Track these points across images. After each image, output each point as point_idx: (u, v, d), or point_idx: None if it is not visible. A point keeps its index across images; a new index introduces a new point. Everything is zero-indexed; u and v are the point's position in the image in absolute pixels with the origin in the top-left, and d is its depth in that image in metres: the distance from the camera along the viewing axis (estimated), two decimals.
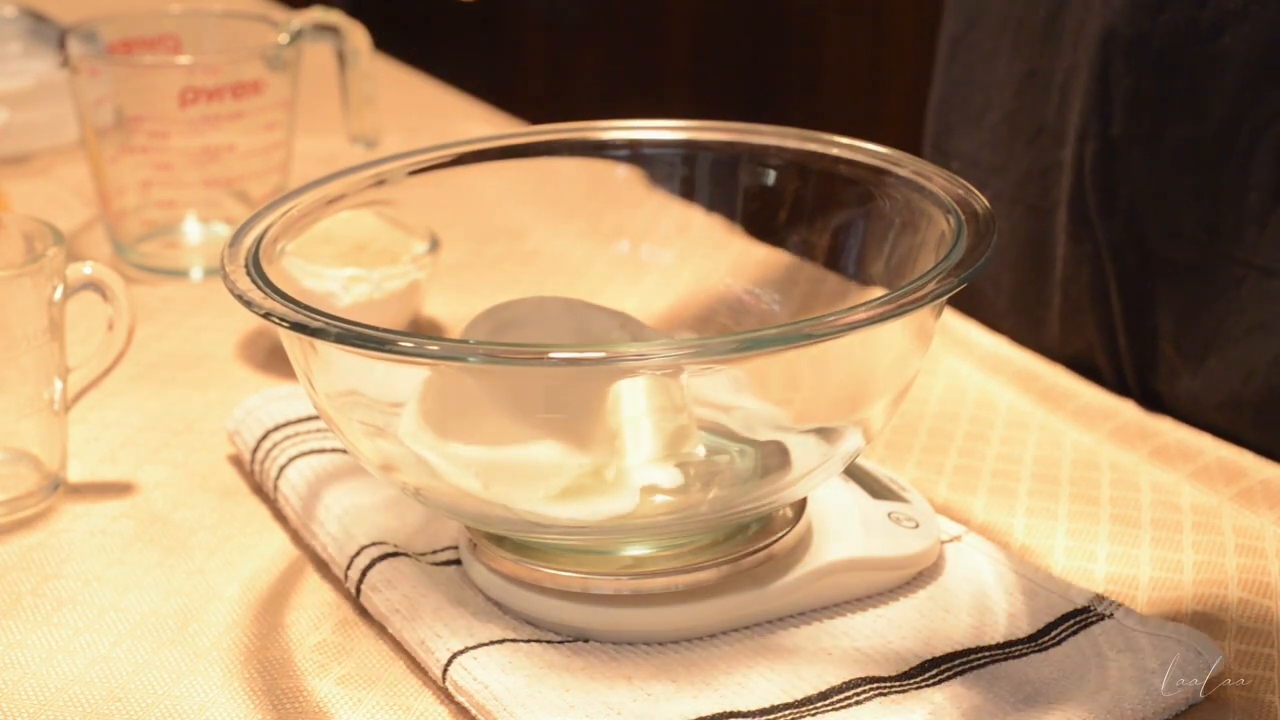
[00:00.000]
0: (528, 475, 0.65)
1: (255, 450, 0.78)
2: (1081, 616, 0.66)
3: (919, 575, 0.69)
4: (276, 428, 0.78)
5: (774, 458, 0.67)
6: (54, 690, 0.64)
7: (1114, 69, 0.82)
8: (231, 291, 0.63)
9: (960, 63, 0.97)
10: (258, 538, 0.74)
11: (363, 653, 0.66)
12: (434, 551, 0.70)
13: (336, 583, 0.71)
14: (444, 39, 2.65)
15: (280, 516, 0.76)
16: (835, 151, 0.74)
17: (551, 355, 0.59)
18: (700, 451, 0.67)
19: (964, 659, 0.64)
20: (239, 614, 0.69)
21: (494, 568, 0.66)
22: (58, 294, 0.75)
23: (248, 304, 0.62)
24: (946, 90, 0.98)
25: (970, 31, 0.96)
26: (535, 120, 0.92)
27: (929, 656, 0.64)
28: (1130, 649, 0.63)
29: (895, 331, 0.63)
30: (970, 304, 0.95)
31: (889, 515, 0.69)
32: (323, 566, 0.72)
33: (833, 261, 0.75)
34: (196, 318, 0.97)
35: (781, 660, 0.64)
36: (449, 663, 0.63)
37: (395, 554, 0.69)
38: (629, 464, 0.66)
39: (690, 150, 0.78)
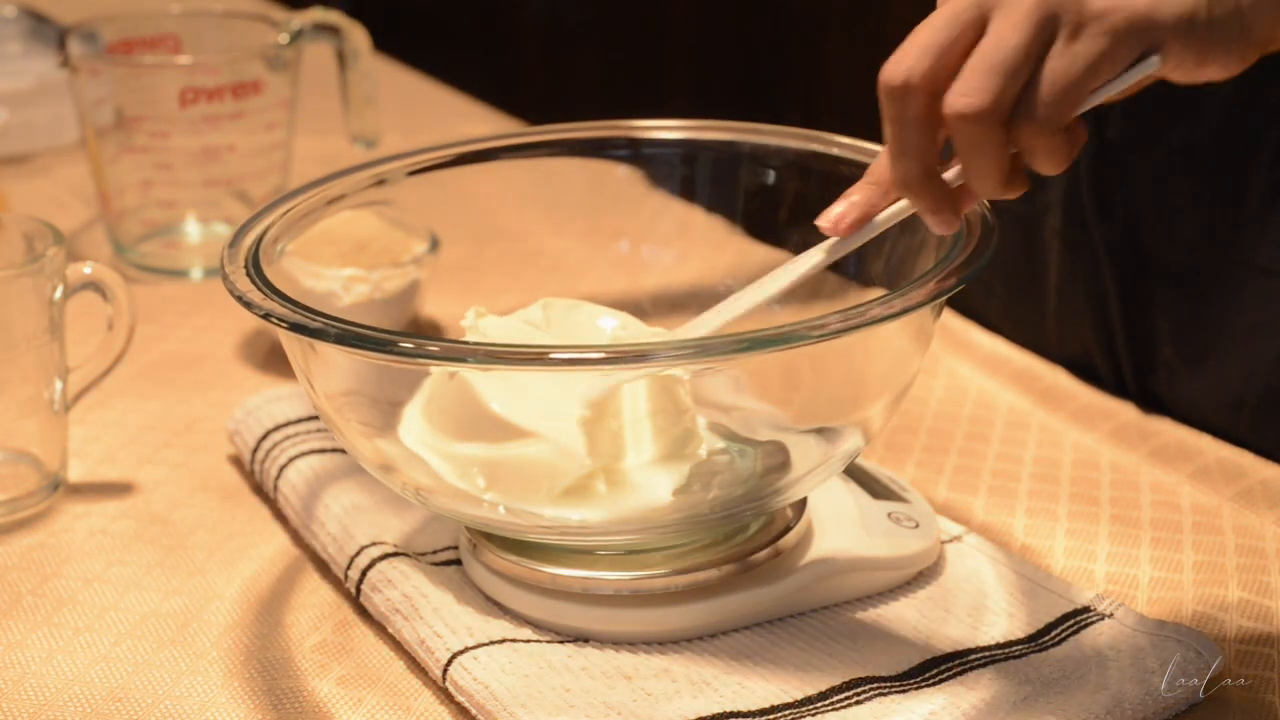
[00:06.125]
0: (529, 477, 0.65)
1: (255, 450, 0.78)
2: (1081, 616, 0.66)
3: (919, 575, 0.69)
4: (276, 428, 0.78)
5: (774, 458, 0.67)
6: (54, 690, 0.64)
7: None
8: (231, 292, 0.63)
9: None
10: (258, 538, 0.74)
11: (363, 653, 0.66)
12: (434, 551, 0.70)
13: (336, 583, 0.71)
14: (444, 39, 2.65)
15: (280, 516, 0.76)
16: (836, 151, 0.74)
17: (551, 355, 0.59)
18: (701, 452, 0.67)
19: (964, 659, 0.64)
20: (239, 614, 0.69)
21: (494, 568, 0.66)
22: (58, 294, 0.75)
23: (248, 304, 0.62)
24: None
25: None
26: (535, 120, 0.92)
27: (929, 656, 0.64)
28: (1130, 649, 0.63)
29: (895, 332, 0.63)
30: (965, 310, 0.95)
31: (889, 515, 0.69)
32: (323, 566, 0.72)
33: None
34: (196, 318, 0.97)
35: (781, 660, 0.64)
36: (449, 663, 0.63)
37: (395, 554, 0.69)
38: (631, 465, 0.66)
39: (690, 150, 0.78)
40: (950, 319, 0.93)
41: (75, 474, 0.79)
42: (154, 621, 0.68)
